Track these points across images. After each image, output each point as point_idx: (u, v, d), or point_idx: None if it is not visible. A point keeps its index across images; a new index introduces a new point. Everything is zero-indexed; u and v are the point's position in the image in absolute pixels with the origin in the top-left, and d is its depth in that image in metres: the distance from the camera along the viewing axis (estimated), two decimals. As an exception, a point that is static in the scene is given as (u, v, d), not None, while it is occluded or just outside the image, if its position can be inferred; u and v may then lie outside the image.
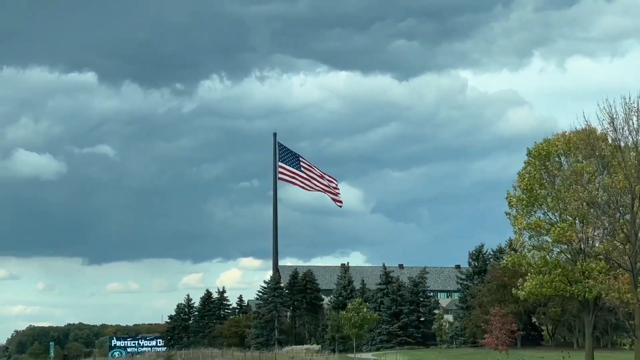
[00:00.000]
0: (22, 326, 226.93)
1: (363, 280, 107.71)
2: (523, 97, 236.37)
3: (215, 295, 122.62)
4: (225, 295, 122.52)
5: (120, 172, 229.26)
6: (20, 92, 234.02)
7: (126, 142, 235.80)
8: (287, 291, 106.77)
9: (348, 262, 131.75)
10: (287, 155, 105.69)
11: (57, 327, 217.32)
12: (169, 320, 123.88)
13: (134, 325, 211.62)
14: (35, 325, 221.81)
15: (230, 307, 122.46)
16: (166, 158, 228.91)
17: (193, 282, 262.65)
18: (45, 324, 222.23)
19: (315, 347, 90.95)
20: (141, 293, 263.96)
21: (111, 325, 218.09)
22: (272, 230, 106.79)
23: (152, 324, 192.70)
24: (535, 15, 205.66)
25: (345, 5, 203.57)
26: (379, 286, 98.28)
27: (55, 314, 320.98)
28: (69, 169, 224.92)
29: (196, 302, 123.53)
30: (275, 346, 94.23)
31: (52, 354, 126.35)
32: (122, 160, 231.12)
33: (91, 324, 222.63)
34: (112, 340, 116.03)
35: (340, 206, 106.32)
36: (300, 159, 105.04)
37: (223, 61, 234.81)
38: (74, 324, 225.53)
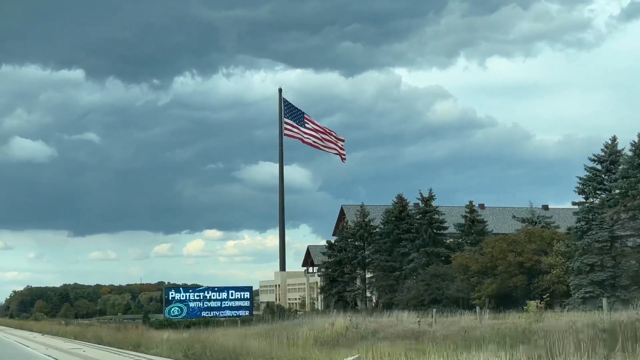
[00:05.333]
0: (19, 288, 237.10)
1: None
2: (448, 92, 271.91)
3: (416, 205, 71.13)
4: (433, 204, 70.96)
5: (104, 156, 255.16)
6: (16, 86, 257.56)
7: (109, 130, 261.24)
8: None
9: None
10: (292, 112, 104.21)
11: (53, 287, 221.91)
12: (327, 251, 75.08)
13: (126, 285, 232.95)
14: (33, 286, 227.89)
15: (446, 225, 71.12)
16: (142, 144, 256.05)
17: (163, 250, 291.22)
18: (42, 285, 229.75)
19: None
20: (118, 260, 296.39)
21: (105, 285, 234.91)
22: (278, 190, 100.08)
23: (144, 283, 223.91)
24: (462, 20, 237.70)
25: (300, 11, 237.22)
26: None
27: (44, 278, 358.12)
28: (59, 153, 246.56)
29: (376, 217, 76.01)
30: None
31: None
32: (105, 145, 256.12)
33: (86, 284, 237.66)
34: (170, 292, 76.94)
35: (344, 160, 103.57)
36: (305, 115, 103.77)
37: (195, 60, 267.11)
38: (69, 284, 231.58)
